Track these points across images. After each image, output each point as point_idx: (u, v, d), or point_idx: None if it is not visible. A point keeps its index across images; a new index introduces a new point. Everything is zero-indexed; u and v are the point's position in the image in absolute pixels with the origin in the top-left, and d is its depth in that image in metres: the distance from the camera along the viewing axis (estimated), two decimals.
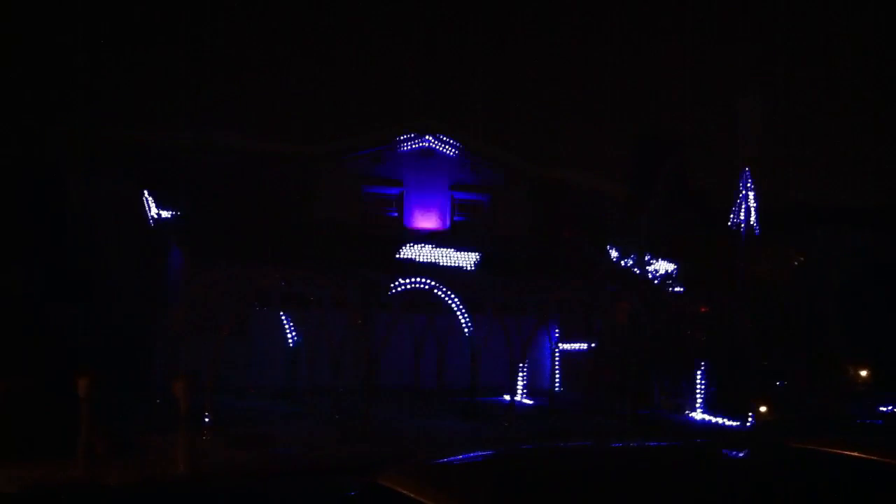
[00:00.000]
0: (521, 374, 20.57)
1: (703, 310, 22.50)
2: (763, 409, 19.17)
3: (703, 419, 19.54)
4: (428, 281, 18.47)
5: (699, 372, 20.05)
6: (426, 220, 25.45)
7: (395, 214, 25.34)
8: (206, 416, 14.72)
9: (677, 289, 24.72)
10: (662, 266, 25.96)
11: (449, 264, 22.54)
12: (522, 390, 21.12)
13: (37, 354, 16.89)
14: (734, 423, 18.73)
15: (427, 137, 25.80)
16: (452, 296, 19.06)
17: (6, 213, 21.70)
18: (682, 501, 3.29)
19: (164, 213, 21.88)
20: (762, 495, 3.36)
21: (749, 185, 25.41)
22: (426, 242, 23.46)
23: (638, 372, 19.10)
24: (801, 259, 28.54)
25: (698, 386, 20.03)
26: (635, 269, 25.69)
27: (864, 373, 23.78)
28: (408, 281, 18.16)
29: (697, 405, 19.95)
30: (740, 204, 25.49)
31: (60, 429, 12.37)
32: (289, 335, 21.26)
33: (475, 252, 23.51)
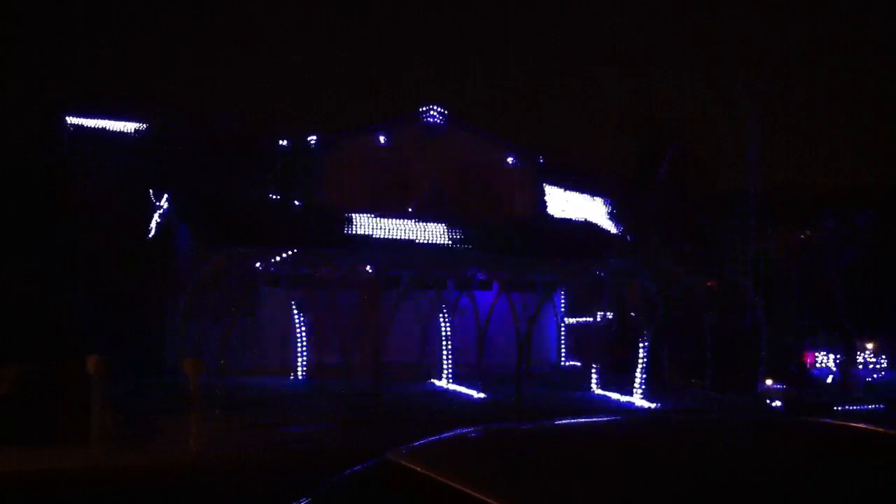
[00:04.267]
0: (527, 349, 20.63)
1: (710, 284, 22.49)
2: (771, 382, 19.17)
3: (712, 395, 19.56)
4: (435, 259, 18.50)
5: (707, 349, 20.07)
6: (432, 201, 25.43)
7: (401, 195, 25.32)
8: (217, 398, 14.80)
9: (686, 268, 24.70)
10: (671, 244, 25.93)
11: (455, 242, 22.55)
12: (529, 366, 21.16)
13: (47, 340, 16.98)
14: (743, 399, 18.74)
15: (432, 117, 25.76)
16: (460, 273, 19.09)
17: (19, 202, 21.77)
18: (691, 475, 3.29)
19: (173, 198, 21.92)
20: (768, 469, 3.36)
21: (754, 164, 25.29)
22: (434, 221, 23.46)
23: (649, 349, 19.10)
24: (808, 237, 28.45)
25: (707, 363, 20.06)
26: (645, 247, 25.68)
27: (870, 346, 23.79)
28: (413, 261, 18.16)
29: (706, 382, 19.98)
30: (747, 183, 25.40)
31: (73, 414, 12.45)
32: (297, 315, 21.31)
33: (482, 230, 23.51)
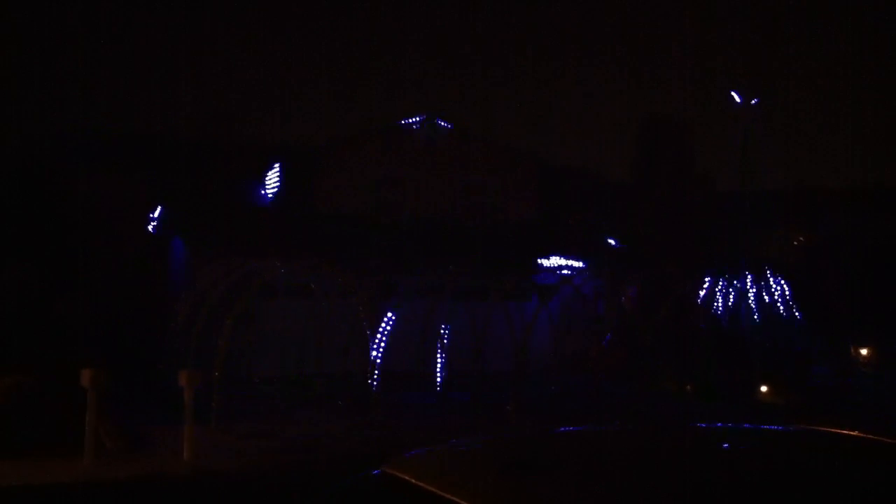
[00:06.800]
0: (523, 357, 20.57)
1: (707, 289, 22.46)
2: (766, 389, 19.11)
3: (709, 401, 19.49)
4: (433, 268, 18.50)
5: (704, 354, 20.04)
6: (430, 209, 25.39)
7: (401, 203, 25.28)
8: (213, 408, 14.75)
9: (682, 271, 24.70)
10: (668, 248, 25.93)
11: (455, 250, 22.53)
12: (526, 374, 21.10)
13: (43, 349, 16.92)
14: (739, 406, 18.69)
15: (431, 125, 25.77)
16: (456, 281, 19.07)
17: (11, 210, 21.73)
18: (691, 485, 3.28)
19: (170, 206, 21.92)
20: (769, 479, 3.34)
21: (751, 166, 25.33)
22: (433, 229, 23.46)
23: (643, 355, 19.10)
24: (807, 240, 28.49)
25: (703, 368, 20.02)
26: (640, 253, 25.67)
27: (864, 352, 23.72)
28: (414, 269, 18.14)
29: (702, 388, 19.92)
30: (744, 185, 25.41)
31: (67, 425, 12.39)
32: (296, 324, 21.25)
33: (481, 237, 23.51)
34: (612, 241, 26.02)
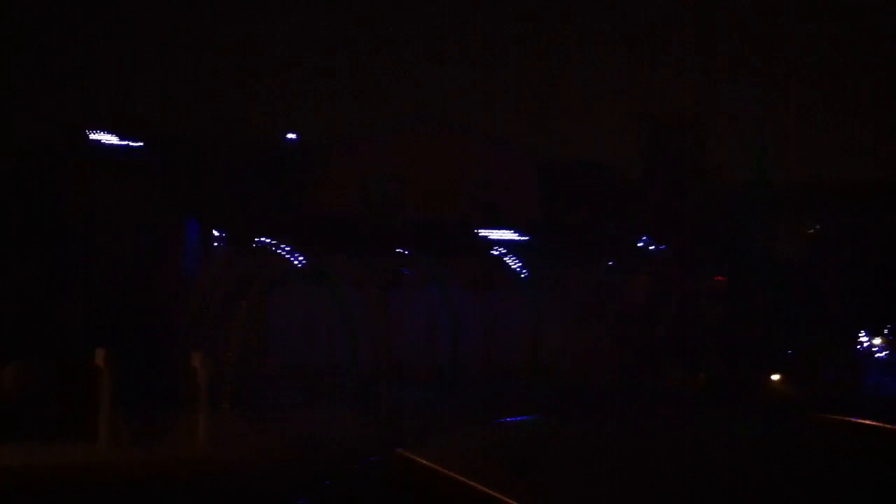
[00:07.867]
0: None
1: (719, 279, 22.44)
2: (778, 380, 19.12)
3: (719, 392, 19.51)
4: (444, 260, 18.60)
5: (716, 346, 20.06)
6: (437, 206, 25.37)
7: (403, 199, 25.25)
8: (225, 394, 14.86)
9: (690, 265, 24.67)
10: (674, 244, 25.88)
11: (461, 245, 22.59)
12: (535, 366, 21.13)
13: (53, 336, 17.01)
14: (749, 396, 18.70)
15: (434, 118, 25.80)
16: (465, 274, 19.17)
17: (12, 209, 21.75)
18: (690, 473, 3.35)
19: (183, 196, 22.01)
20: (781, 466, 3.41)
21: (759, 159, 25.28)
22: (439, 225, 23.53)
23: (654, 347, 19.15)
24: (813, 233, 28.42)
25: (714, 360, 20.04)
26: (649, 248, 25.64)
27: (878, 340, 23.61)
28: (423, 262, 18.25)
29: (713, 379, 19.94)
30: (752, 180, 25.39)
31: (80, 410, 12.51)
32: (306, 313, 21.31)
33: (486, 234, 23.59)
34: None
